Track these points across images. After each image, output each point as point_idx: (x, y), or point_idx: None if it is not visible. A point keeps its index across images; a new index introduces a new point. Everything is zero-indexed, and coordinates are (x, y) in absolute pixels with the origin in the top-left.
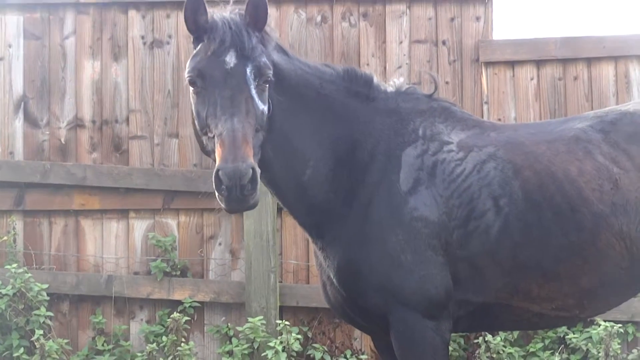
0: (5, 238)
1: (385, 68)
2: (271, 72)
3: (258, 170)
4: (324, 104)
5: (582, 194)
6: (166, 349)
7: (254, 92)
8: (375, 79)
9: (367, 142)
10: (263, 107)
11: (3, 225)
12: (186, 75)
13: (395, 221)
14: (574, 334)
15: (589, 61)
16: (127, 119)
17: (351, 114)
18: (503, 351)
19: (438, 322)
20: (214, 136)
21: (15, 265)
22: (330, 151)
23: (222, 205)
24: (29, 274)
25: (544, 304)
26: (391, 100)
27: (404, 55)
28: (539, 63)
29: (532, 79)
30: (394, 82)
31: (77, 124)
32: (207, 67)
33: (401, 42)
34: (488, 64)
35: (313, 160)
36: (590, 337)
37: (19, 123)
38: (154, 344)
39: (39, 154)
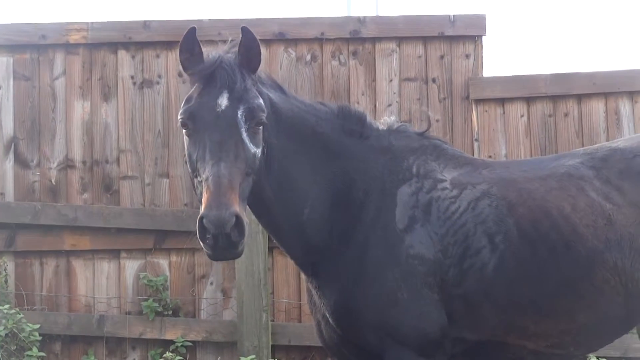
0: None
1: (375, 106)
2: (264, 114)
3: (244, 218)
4: (320, 142)
5: (576, 230)
6: None
7: (245, 135)
8: (368, 117)
9: (362, 180)
10: (255, 150)
11: None
12: (179, 117)
13: (392, 259)
14: None
15: (579, 97)
16: (118, 159)
17: (346, 152)
18: None
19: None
20: (202, 180)
21: (7, 306)
22: (327, 190)
23: (208, 253)
24: (21, 315)
25: (540, 341)
26: (384, 138)
27: (394, 93)
28: (529, 100)
29: (522, 115)
30: (386, 120)
31: (67, 164)
32: (198, 110)
33: (391, 80)
34: (478, 101)
35: (310, 199)
36: None
37: (9, 164)
38: None
39: (30, 195)
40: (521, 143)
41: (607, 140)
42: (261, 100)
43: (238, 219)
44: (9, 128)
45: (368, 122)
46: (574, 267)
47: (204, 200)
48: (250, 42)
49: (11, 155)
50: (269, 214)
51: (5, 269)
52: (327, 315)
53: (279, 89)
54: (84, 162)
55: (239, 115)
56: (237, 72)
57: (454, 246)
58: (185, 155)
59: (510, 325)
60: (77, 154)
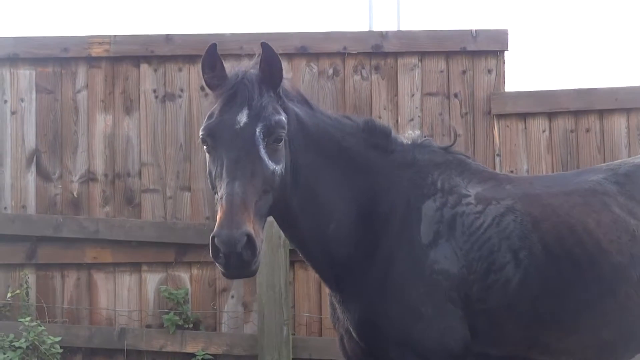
0: (18, 291)
1: (397, 121)
2: (284, 131)
3: (258, 236)
4: (345, 156)
5: (600, 246)
6: None
7: (262, 152)
8: (393, 131)
9: (387, 195)
10: (274, 167)
11: (16, 278)
12: (200, 133)
13: (416, 274)
14: None
15: (601, 113)
16: (140, 173)
17: (371, 166)
18: None
19: None
20: (218, 198)
21: (28, 318)
22: (352, 204)
23: (222, 271)
24: (42, 327)
25: (562, 357)
26: (408, 152)
27: (416, 107)
28: (550, 115)
29: (544, 131)
30: (410, 134)
31: (89, 177)
32: (218, 127)
33: (413, 95)
34: (500, 116)
35: (336, 213)
36: None
37: (31, 177)
38: None
39: (52, 208)
40: (543, 158)
41: (629, 156)
42: (282, 116)
43: (250, 238)
44: (31, 141)
45: (393, 136)
46: (598, 283)
47: (217, 218)
48: (270, 57)
49: (33, 168)
50: (295, 228)
51: (26, 282)
52: (351, 329)
53: (306, 102)
54: (105, 175)
55: (257, 132)
56: (257, 89)
57: (478, 261)
58: (206, 171)
59: (534, 340)
60: (99, 167)
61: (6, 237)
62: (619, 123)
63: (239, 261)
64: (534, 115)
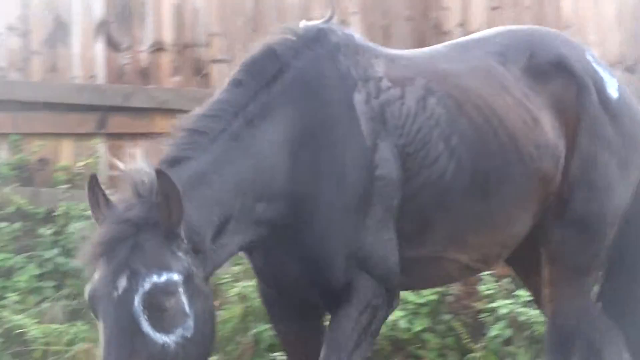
0: (89, 160)
1: None
2: (171, 297)
3: None
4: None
5: (515, 134)
6: None
7: (145, 325)
8: (274, 49)
9: (315, 117)
10: (164, 340)
11: (86, 148)
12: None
13: (364, 183)
14: None
15: None
16: (208, 43)
17: (288, 111)
18: None
19: (393, 286)
20: None
21: None
22: (286, 157)
23: None
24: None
25: (473, 254)
26: (302, 59)
27: None
28: None
29: None
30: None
31: (158, 47)
32: (97, 292)
33: None
34: None
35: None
36: None
37: (100, 47)
38: None
39: (120, 78)
40: None
41: None
42: (172, 274)
43: None
44: (99, 11)
45: (279, 53)
46: (519, 173)
47: None
48: (169, 189)
49: (101, 38)
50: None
51: (96, 151)
52: (298, 270)
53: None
54: (174, 45)
55: (135, 302)
56: (146, 236)
57: (412, 157)
58: None
59: (453, 238)
60: (168, 37)
61: (76, 107)
62: None
63: None
64: None
